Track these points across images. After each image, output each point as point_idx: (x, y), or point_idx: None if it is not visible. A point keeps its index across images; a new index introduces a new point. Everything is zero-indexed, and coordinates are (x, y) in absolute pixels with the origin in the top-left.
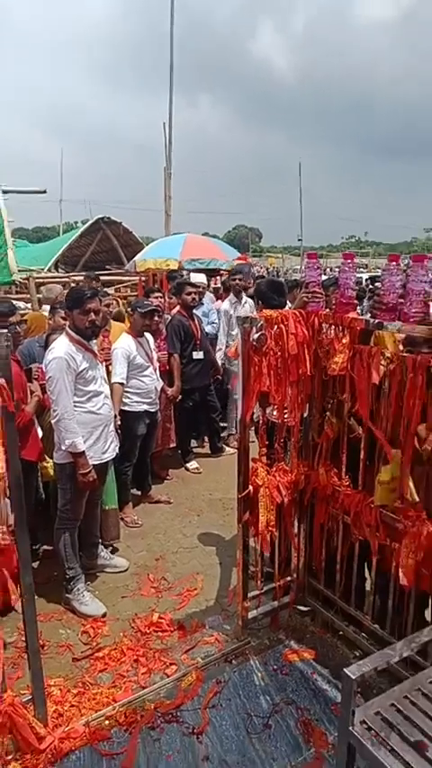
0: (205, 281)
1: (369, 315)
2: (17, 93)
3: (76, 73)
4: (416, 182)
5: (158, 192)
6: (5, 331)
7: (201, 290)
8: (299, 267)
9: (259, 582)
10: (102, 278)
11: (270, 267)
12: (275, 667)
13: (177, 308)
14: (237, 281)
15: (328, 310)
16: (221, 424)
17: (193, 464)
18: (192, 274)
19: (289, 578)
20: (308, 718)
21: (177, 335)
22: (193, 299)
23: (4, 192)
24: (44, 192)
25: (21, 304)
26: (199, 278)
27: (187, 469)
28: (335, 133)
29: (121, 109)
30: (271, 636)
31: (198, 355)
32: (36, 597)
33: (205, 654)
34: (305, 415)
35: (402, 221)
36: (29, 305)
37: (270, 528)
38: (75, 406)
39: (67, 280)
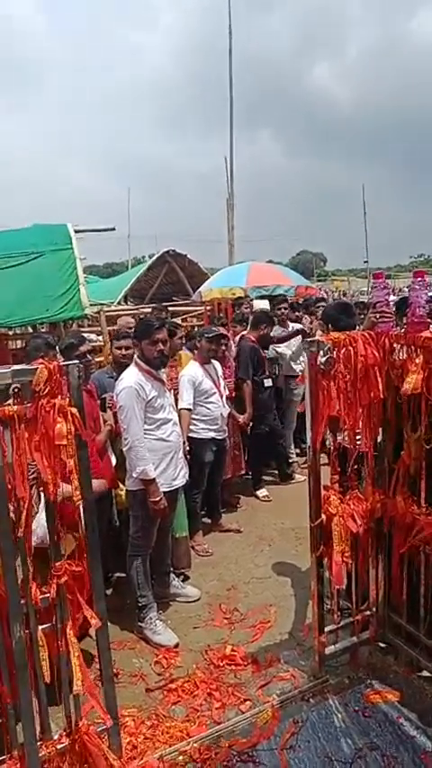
0: (268, 308)
1: None
2: (89, 142)
3: (142, 118)
4: None
5: (222, 223)
6: (77, 361)
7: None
8: (365, 289)
9: (336, 615)
10: (169, 309)
11: (336, 290)
12: (357, 708)
13: (241, 334)
14: (282, 311)
15: (399, 330)
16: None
17: (262, 492)
18: (255, 301)
19: (368, 612)
20: (395, 766)
21: (252, 361)
22: (267, 333)
23: (76, 231)
24: (113, 229)
25: (92, 336)
26: (262, 304)
27: (257, 497)
28: (396, 154)
29: (183, 147)
30: (351, 674)
31: (268, 382)
32: (109, 624)
33: (281, 691)
34: (379, 439)
35: None
36: (100, 337)
37: (345, 559)
38: (145, 433)
39: (136, 312)
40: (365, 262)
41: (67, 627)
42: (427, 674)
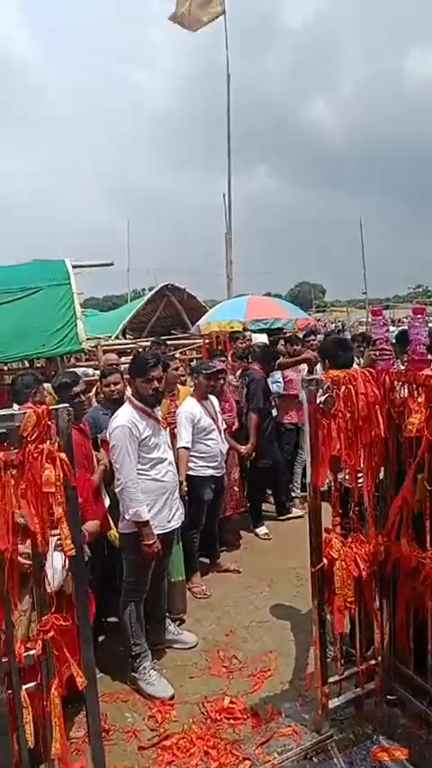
0: (267, 341)
1: None
2: (88, 175)
3: (140, 154)
4: None
5: (220, 257)
6: (67, 405)
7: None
8: (364, 320)
9: (339, 665)
10: (167, 342)
11: (335, 321)
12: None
13: (245, 366)
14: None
15: (399, 367)
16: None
17: (262, 530)
18: (253, 335)
19: (373, 662)
20: None
21: (264, 392)
22: (274, 366)
23: (74, 266)
24: (112, 264)
25: (89, 371)
26: (261, 338)
27: (257, 535)
28: (392, 186)
29: (181, 183)
30: (356, 729)
31: (274, 411)
32: (101, 674)
33: (282, 748)
34: (381, 479)
35: None
36: (97, 371)
37: (348, 605)
38: (138, 473)
39: (133, 346)
40: (364, 293)
41: (53, 686)
42: None
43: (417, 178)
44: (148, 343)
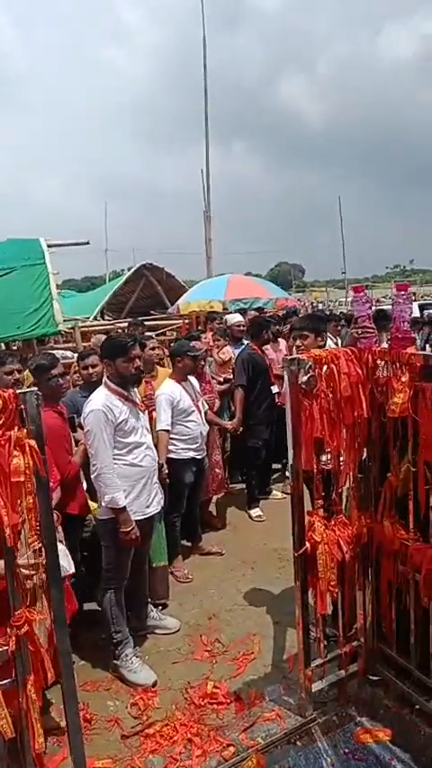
0: (243, 320)
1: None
2: (62, 157)
3: (117, 133)
4: None
5: (200, 236)
6: (36, 389)
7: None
8: (343, 300)
9: (323, 648)
10: (146, 323)
11: (314, 301)
12: (347, 750)
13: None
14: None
15: (382, 346)
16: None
17: (256, 511)
18: (227, 316)
19: (356, 643)
20: None
21: (246, 368)
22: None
23: (49, 246)
24: (87, 243)
25: (68, 353)
26: (236, 317)
27: (250, 517)
28: (371, 168)
29: (159, 161)
30: (339, 711)
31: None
32: (82, 663)
33: (266, 733)
34: (364, 460)
35: None
36: (75, 354)
37: (331, 588)
38: (115, 458)
39: (111, 327)
40: (343, 273)
41: (28, 682)
42: (419, 708)
43: (394, 159)
44: (126, 325)
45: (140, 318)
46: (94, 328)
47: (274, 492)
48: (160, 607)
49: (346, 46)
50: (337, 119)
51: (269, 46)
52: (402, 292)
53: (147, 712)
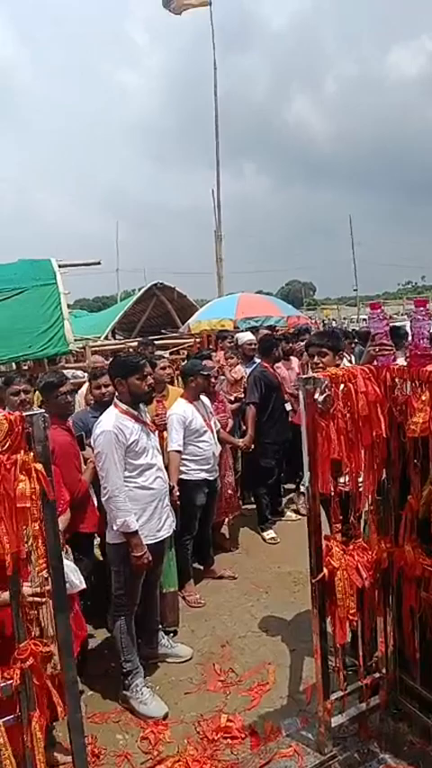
0: (254, 339)
1: None
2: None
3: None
4: None
5: (210, 256)
6: (42, 411)
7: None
8: (355, 317)
9: (343, 681)
10: (157, 342)
11: (326, 319)
12: None
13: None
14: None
15: (401, 364)
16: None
17: (269, 533)
18: (238, 334)
19: (377, 674)
20: None
21: (258, 386)
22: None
23: (61, 266)
24: (99, 263)
25: (78, 372)
26: (246, 336)
27: (263, 539)
28: (380, 185)
29: (170, 182)
30: (361, 747)
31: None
32: (90, 693)
33: None
34: (384, 483)
35: None
36: (86, 374)
37: (351, 616)
38: (125, 481)
39: (122, 346)
40: (355, 290)
41: (33, 718)
42: None
43: (402, 176)
44: (136, 344)
45: (151, 338)
46: (105, 348)
47: (287, 513)
48: (171, 634)
49: (354, 65)
50: (346, 137)
51: (277, 66)
52: (421, 308)
53: (158, 747)
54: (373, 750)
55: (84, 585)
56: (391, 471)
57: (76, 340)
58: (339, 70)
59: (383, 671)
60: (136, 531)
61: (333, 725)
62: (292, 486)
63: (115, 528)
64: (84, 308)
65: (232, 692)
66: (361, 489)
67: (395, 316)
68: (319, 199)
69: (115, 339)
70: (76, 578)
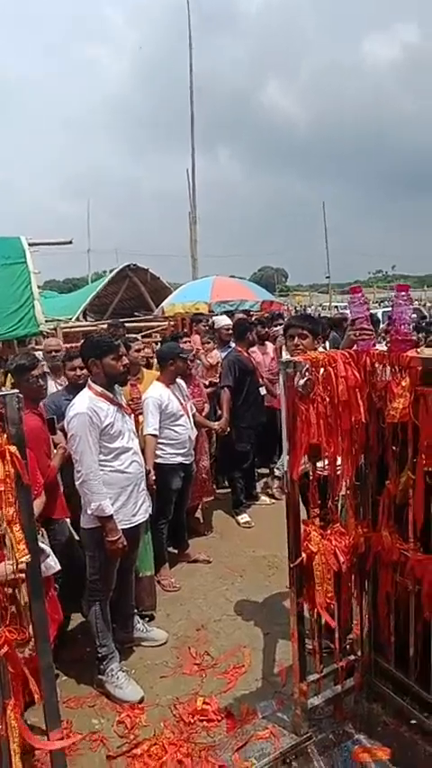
0: (229, 322)
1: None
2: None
3: (101, 135)
4: None
5: (184, 240)
6: (16, 391)
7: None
8: (327, 304)
9: (319, 663)
10: (130, 324)
11: (298, 305)
12: None
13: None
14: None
15: (381, 348)
16: (259, 471)
17: (243, 517)
18: (215, 318)
19: (352, 657)
20: None
21: (232, 370)
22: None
23: (31, 244)
24: (70, 242)
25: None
26: (223, 320)
27: (238, 523)
28: (353, 173)
29: (145, 164)
30: (336, 728)
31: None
32: (65, 678)
33: (260, 753)
34: (362, 468)
35: (430, 253)
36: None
37: (329, 600)
38: (100, 464)
39: (94, 328)
40: (327, 277)
41: (8, 706)
42: (417, 723)
43: (375, 165)
44: (106, 326)
45: (124, 320)
46: (76, 329)
47: (262, 497)
48: (147, 618)
49: (329, 52)
50: (320, 124)
51: (253, 50)
52: (403, 293)
53: (134, 730)
54: (348, 731)
55: (58, 567)
56: (369, 456)
57: (46, 321)
58: (315, 56)
59: (359, 653)
60: (111, 516)
61: (309, 707)
62: (266, 470)
63: (90, 512)
64: (54, 289)
65: (208, 676)
66: (339, 474)
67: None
68: (293, 185)
69: (87, 321)
70: (51, 560)
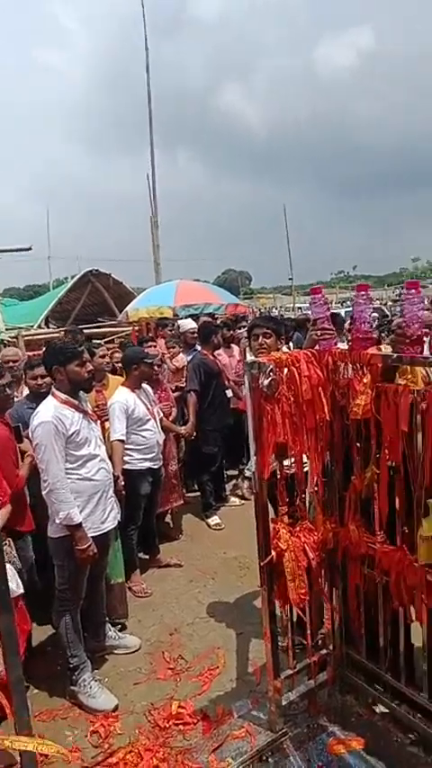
0: (195, 326)
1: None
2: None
3: (60, 141)
4: (401, 215)
5: (146, 245)
6: None
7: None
8: (291, 306)
9: (292, 659)
10: (94, 330)
11: (262, 308)
12: (321, 764)
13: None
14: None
15: (342, 347)
16: (228, 472)
17: (213, 519)
18: (180, 321)
19: (325, 651)
20: None
21: (197, 374)
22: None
23: None
24: (29, 249)
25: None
26: (189, 324)
27: (208, 525)
28: (312, 176)
29: (104, 170)
30: (310, 722)
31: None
32: (36, 691)
33: (236, 752)
34: (328, 464)
35: (389, 254)
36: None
37: (302, 597)
38: (67, 472)
39: (56, 335)
40: (290, 278)
41: None
42: (388, 712)
43: (333, 168)
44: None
45: (88, 326)
46: (38, 337)
47: (231, 499)
48: (119, 627)
49: (285, 56)
50: (279, 128)
51: (209, 55)
52: (363, 293)
53: (108, 740)
54: (323, 724)
55: (21, 590)
56: (334, 453)
57: (7, 329)
58: (271, 60)
59: (331, 647)
60: (80, 524)
61: (283, 703)
62: (236, 472)
63: (58, 521)
64: (15, 296)
65: (182, 679)
66: (306, 471)
67: (335, 305)
68: (254, 188)
69: (49, 328)
70: (13, 584)
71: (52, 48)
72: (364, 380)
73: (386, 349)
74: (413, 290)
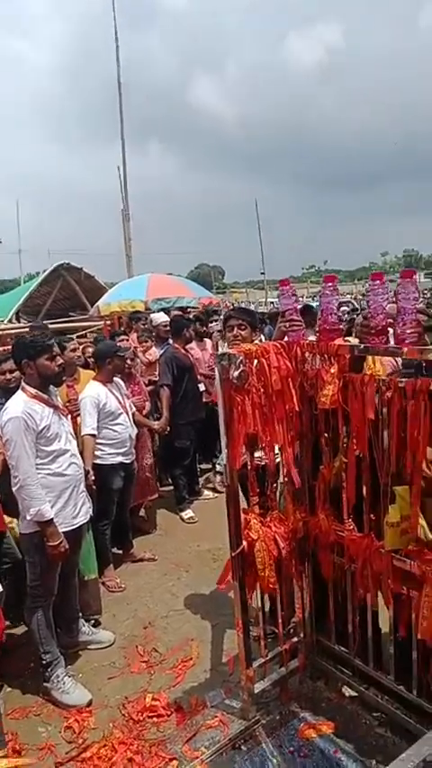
0: (167, 319)
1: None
2: None
3: (28, 133)
4: (369, 211)
5: (118, 238)
6: None
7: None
8: (263, 300)
9: (264, 648)
10: (66, 325)
11: (235, 302)
12: (292, 749)
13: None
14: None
15: (310, 338)
16: (201, 466)
17: (187, 513)
18: (153, 315)
19: (296, 639)
20: None
21: (170, 368)
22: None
23: None
24: None
25: None
26: (162, 318)
27: (182, 519)
28: (283, 171)
29: (74, 160)
30: (282, 709)
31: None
32: (9, 689)
33: (210, 741)
34: (297, 454)
35: (359, 248)
36: None
37: (272, 586)
38: (38, 468)
39: (27, 330)
40: (262, 273)
41: None
42: (357, 695)
43: (304, 163)
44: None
45: (60, 320)
46: (8, 331)
47: (204, 492)
48: (92, 623)
49: (254, 52)
50: (249, 123)
51: (179, 48)
52: (329, 284)
53: (82, 735)
54: (294, 710)
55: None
56: (303, 443)
57: None
58: (241, 54)
59: (302, 635)
60: (51, 520)
61: (256, 691)
62: (209, 465)
63: (29, 517)
64: None
65: (156, 672)
66: (277, 461)
67: (300, 299)
68: (226, 182)
69: (20, 323)
70: None
71: (18, 35)
72: (332, 371)
73: (353, 340)
74: (378, 282)
